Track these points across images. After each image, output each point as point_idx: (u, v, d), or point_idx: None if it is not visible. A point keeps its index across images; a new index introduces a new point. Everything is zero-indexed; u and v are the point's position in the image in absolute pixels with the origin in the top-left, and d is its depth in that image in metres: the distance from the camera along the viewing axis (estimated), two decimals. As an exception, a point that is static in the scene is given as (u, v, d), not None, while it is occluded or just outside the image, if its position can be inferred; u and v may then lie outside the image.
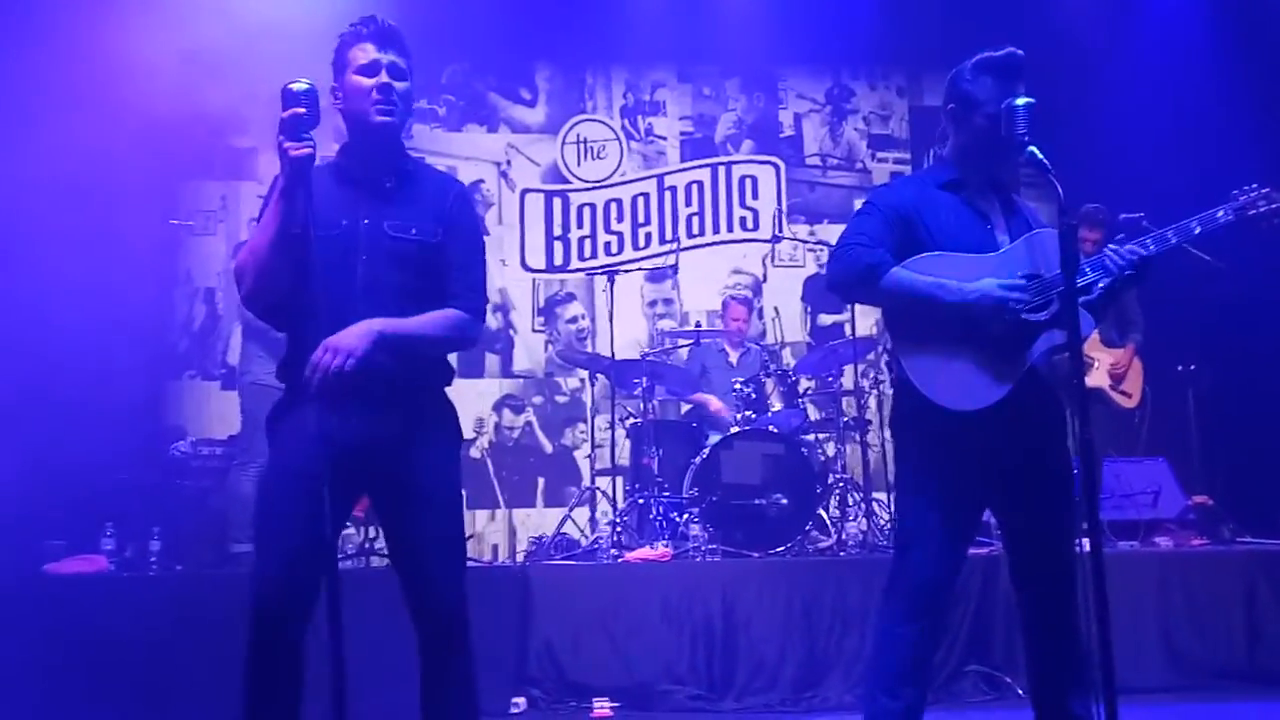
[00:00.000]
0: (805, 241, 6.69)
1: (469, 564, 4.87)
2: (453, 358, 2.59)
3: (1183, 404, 5.76)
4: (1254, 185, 2.58)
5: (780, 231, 6.86)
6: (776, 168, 7.20)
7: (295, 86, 2.24)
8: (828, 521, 5.11)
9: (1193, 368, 5.74)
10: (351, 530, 5.03)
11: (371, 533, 4.90)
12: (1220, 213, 2.57)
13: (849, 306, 5.76)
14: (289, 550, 2.28)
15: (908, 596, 2.59)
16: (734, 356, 5.89)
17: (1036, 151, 2.43)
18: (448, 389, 2.55)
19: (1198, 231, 2.56)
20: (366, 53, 2.43)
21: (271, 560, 2.31)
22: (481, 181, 6.99)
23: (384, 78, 2.40)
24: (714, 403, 5.57)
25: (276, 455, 2.42)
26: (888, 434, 2.85)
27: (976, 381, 2.52)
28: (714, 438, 5.20)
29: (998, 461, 2.55)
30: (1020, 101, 2.50)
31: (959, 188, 2.67)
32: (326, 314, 2.24)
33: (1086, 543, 2.39)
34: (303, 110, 2.23)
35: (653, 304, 6.99)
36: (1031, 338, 2.52)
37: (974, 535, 2.69)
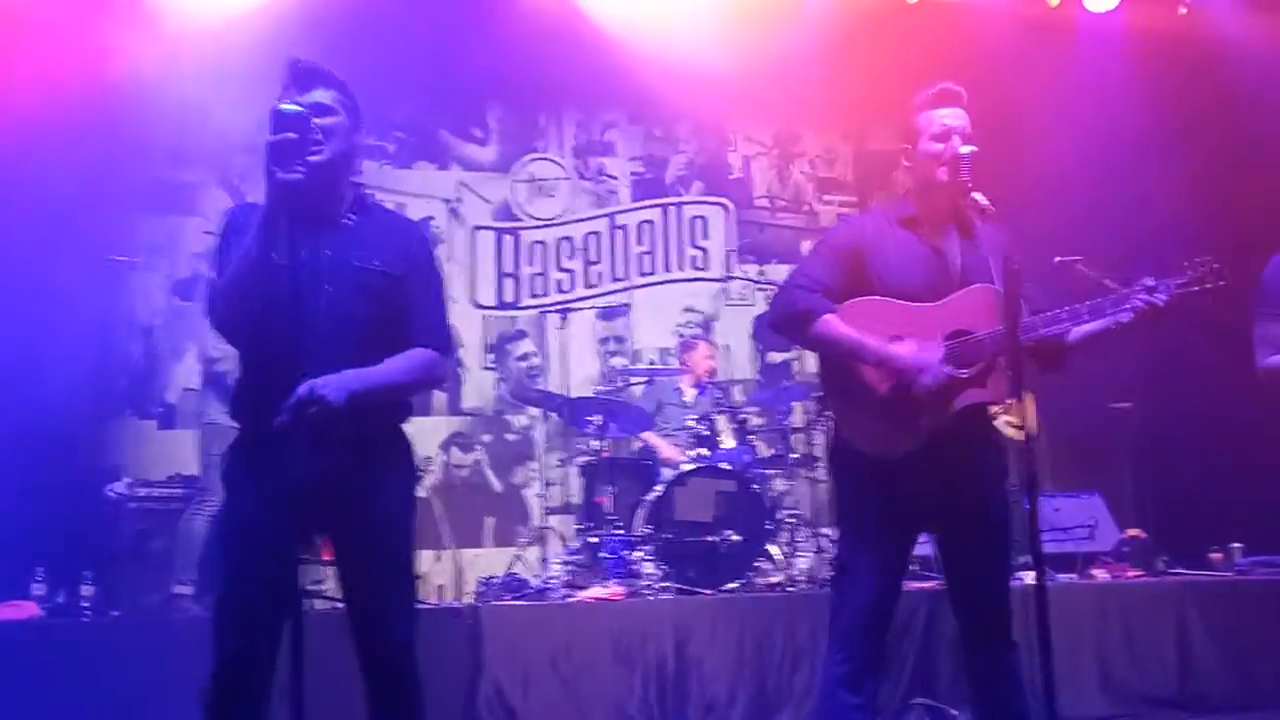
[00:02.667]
0: (755, 281, 6.79)
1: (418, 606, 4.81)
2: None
3: (1117, 440, 5.94)
4: (1206, 258, 2.57)
5: (730, 271, 6.98)
6: (726, 208, 7.33)
7: (285, 108, 2.19)
8: (778, 557, 5.15)
9: (1126, 405, 5.93)
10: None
11: (317, 573, 4.81)
12: (1161, 290, 2.53)
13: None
14: (252, 600, 2.26)
15: (846, 634, 2.65)
16: (690, 395, 5.92)
17: (980, 197, 2.52)
18: (404, 426, 2.55)
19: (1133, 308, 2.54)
20: (288, 95, 2.37)
21: (235, 610, 2.29)
22: (432, 219, 6.95)
23: (281, 105, 2.26)
24: (664, 449, 5.60)
25: (235, 501, 2.39)
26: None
27: (896, 429, 2.60)
28: (667, 474, 5.23)
29: (932, 499, 2.62)
30: (964, 149, 2.59)
31: (917, 224, 2.73)
32: (290, 345, 2.22)
33: (1029, 576, 2.45)
34: (293, 135, 2.18)
35: (604, 341, 7.02)
36: (954, 392, 2.58)
37: (906, 567, 2.76)
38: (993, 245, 2.65)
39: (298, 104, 2.25)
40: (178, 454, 6.00)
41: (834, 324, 2.64)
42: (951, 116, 2.68)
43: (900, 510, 2.63)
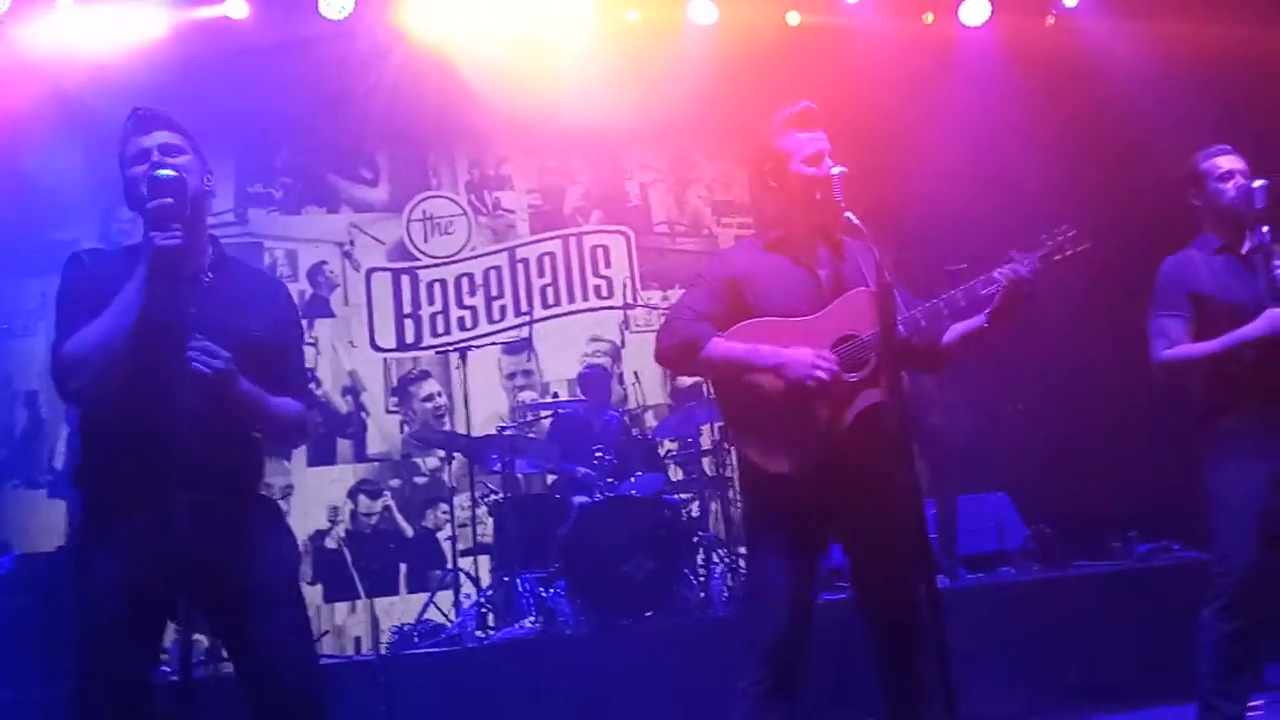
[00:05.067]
0: (658, 308, 6.80)
1: (327, 660, 4.69)
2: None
3: (1018, 440, 6.09)
4: (1063, 227, 2.67)
5: (633, 299, 6.99)
6: (627, 236, 7.33)
7: (162, 174, 2.22)
8: (694, 581, 5.12)
9: (1021, 407, 6.09)
10: (200, 637, 4.77)
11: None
12: (1025, 262, 2.63)
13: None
14: (122, 679, 2.19)
15: (760, 654, 2.64)
16: (595, 425, 5.88)
17: (853, 217, 2.55)
18: (286, 482, 2.53)
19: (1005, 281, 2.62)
20: (135, 144, 2.36)
21: (98, 691, 2.20)
22: (324, 263, 6.85)
23: (158, 170, 2.27)
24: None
25: (99, 575, 2.24)
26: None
27: (796, 444, 2.62)
28: (578, 506, 5.17)
29: (838, 510, 2.66)
30: (835, 170, 2.65)
31: (785, 245, 2.79)
32: (151, 406, 2.17)
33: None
34: (170, 200, 2.20)
35: (512, 376, 6.95)
36: (851, 396, 2.62)
37: (815, 582, 2.75)
38: (861, 254, 2.72)
39: (172, 167, 2.27)
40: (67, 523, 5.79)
41: (722, 344, 2.68)
42: (820, 139, 2.76)
43: (808, 525, 2.65)
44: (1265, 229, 3.20)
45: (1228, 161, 3.34)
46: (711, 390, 5.64)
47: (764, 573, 2.71)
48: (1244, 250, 3.28)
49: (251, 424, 2.39)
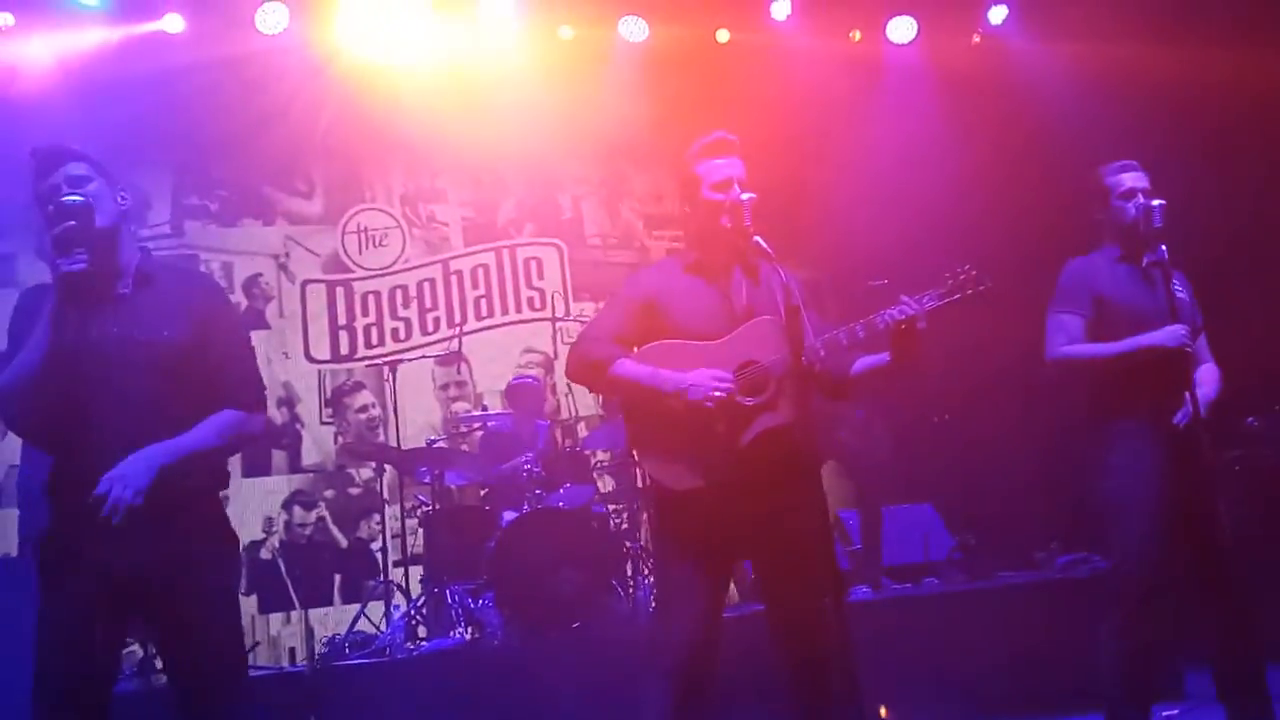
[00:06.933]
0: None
1: (259, 672, 4.71)
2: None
3: (942, 452, 6.23)
4: (965, 266, 2.67)
5: (566, 311, 7.04)
6: (560, 249, 7.39)
7: (67, 200, 2.24)
8: (622, 592, 5.19)
9: (946, 418, 6.23)
10: (135, 647, 4.76)
11: (152, 649, 4.64)
12: (926, 299, 2.65)
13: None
14: (73, 692, 2.23)
15: (668, 667, 2.69)
16: (524, 436, 5.92)
17: (762, 242, 2.65)
18: (223, 493, 2.56)
19: (903, 317, 2.63)
20: (43, 183, 2.39)
21: (53, 704, 2.24)
22: (260, 275, 6.82)
23: (62, 196, 2.29)
24: None
25: (52, 594, 2.32)
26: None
27: (697, 463, 2.70)
28: (507, 518, 5.22)
29: (744, 529, 2.72)
30: (744, 196, 2.73)
31: (702, 268, 2.86)
32: (89, 429, 2.24)
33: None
34: (72, 223, 2.22)
35: (445, 387, 6.97)
36: (748, 419, 2.70)
37: (722, 597, 2.81)
38: (776, 280, 2.75)
39: (77, 193, 2.29)
40: (4, 534, 5.70)
41: (627, 366, 2.76)
42: (730, 165, 2.84)
43: (711, 542, 2.72)
44: (1163, 247, 3.28)
45: (1130, 179, 3.38)
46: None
47: (669, 588, 2.80)
48: (1144, 264, 3.40)
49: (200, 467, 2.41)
